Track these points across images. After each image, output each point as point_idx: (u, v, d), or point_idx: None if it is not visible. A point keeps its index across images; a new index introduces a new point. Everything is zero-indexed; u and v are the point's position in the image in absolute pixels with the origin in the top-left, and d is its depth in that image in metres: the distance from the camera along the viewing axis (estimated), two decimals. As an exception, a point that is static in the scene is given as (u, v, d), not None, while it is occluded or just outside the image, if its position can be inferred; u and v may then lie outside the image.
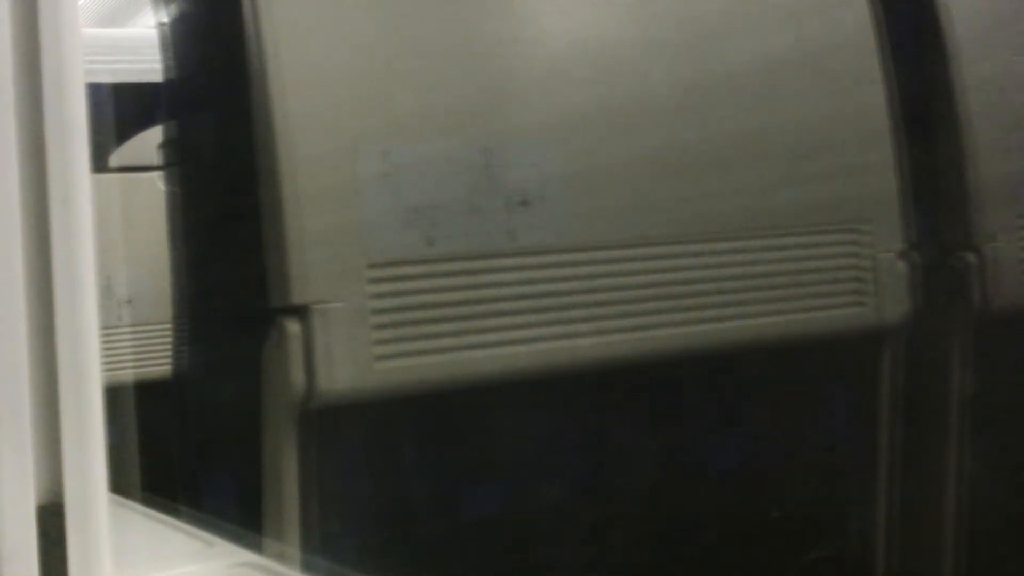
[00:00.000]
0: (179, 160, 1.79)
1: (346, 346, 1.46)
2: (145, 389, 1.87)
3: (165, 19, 1.70)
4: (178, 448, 1.75)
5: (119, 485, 0.88)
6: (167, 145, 1.98)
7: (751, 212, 1.76)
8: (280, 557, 1.40)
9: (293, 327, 1.45)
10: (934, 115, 1.91)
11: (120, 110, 2.26)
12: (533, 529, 1.72)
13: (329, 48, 1.51)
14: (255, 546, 1.12)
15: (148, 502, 1.28)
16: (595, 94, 1.66)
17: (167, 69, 1.71)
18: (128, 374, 2.12)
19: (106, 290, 2.36)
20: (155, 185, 2.29)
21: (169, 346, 1.86)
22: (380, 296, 1.48)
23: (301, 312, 1.45)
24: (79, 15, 0.76)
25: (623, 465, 1.76)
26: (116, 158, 2.46)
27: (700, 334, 1.70)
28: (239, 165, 1.51)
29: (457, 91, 1.58)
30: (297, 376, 1.45)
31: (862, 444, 1.90)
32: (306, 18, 1.50)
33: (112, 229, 2.13)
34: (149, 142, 2.34)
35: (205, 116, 1.69)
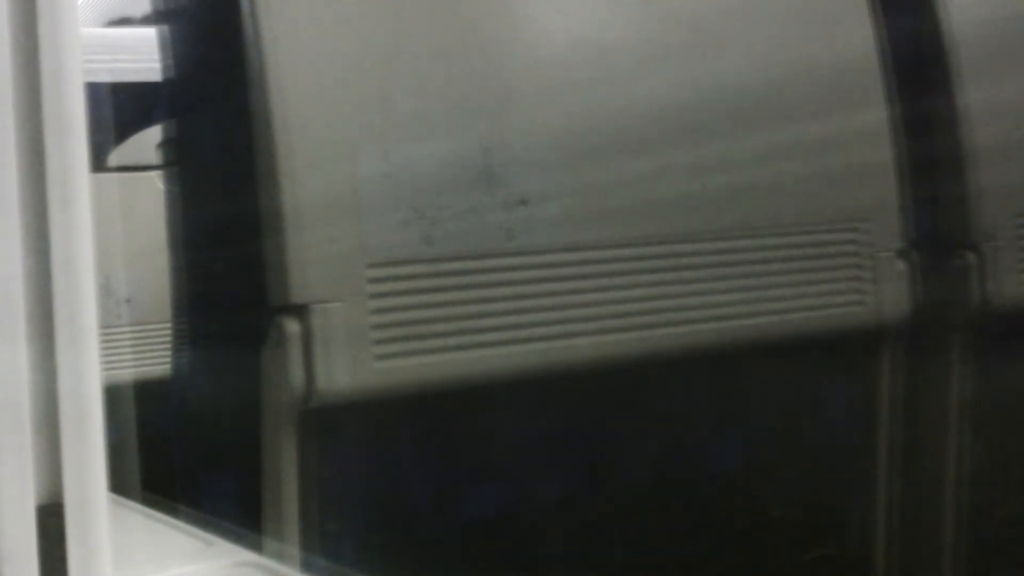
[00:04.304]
0: (178, 160, 1.79)
1: (346, 346, 1.46)
2: (145, 389, 1.87)
3: (165, 19, 1.70)
4: (178, 448, 1.75)
5: (119, 485, 0.87)
6: (166, 145, 1.98)
7: (750, 211, 1.75)
8: (280, 557, 1.40)
9: (293, 327, 1.45)
10: (934, 113, 1.91)
11: (120, 110, 2.26)
12: (534, 529, 1.72)
13: (329, 47, 1.51)
14: (255, 546, 1.13)
15: (148, 502, 1.28)
16: (595, 94, 1.65)
17: (167, 69, 1.71)
18: (128, 374, 2.12)
19: (106, 290, 2.36)
20: (155, 184, 2.29)
21: (169, 346, 1.86)
22: (380, 296, 1.48)
23: (301, 312, 1.45)
24: (79, 15, 0.76)
25: (623, 465, 1.76)
26: (115, 157, 2.46)
27: (699, 334, 1.70)
28: (239, 164, 1.51)
29: (457, 91, 1.58)
30: (297, 376, 1.44)
31: (861, 444, 1.90)
32: (306, 17, 1.50)
33: (112, 229, 2.13)
34: (149, 141, 2.33)
35: (204, 115, 1.69)
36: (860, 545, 1.93)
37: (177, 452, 1.75)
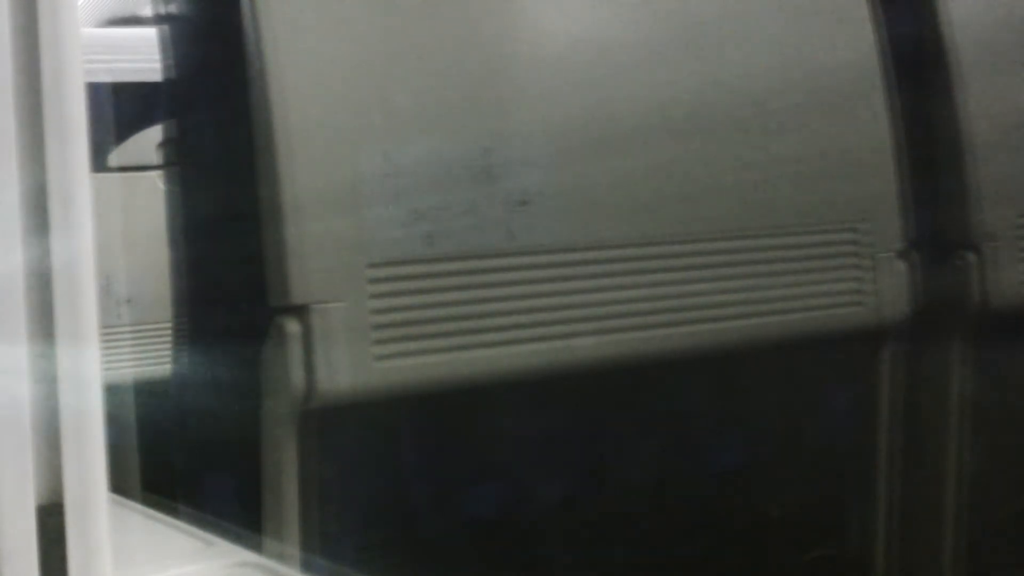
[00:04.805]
0: (179, 160, 1.79)
1: (346, 346, 1.46)
2: (145, 389, 1.87)
3: (165, 18, 1.70)
4: (178, 448, 1.75)
5: (119, 485, 0.88)
6: (167, 145, 1.98)
7: (750, 211, 1.76)
8: (280, 557, 1.40)
9: (293, 327, 1.45)
10: (935, 112, 1.91)
11: (120, 109, 2.26)
12: (534, 529, 1.72)
13: (329, 47, 1.51)
14: (255, 546, 1.13)
15: (148, 502, 1.28)
16: (593, 93, 1.66)
17: (167, 69, 1.71)
18: (128, 374, 2.12)
19: (106, 290, 2.36)
20: (155, 185, 2.29)
21: (169, 346, 1.86)
22: (380, 296, 1.48)
23: (301, 312, 1.45)
24: (79, 15, 0.76)
25: (623, 465, 1.76)
26: (115, 157, 2.46)
27: (699, 334, 1.70)
28: (239, 164, 1.51)
29: (457, 91, 1.58)
30: (297, 376, 1.44)
31: (861, 444, 1.90)
32: (306, 16, 1.50)
33: (112, 229, 2.13)
34: (149, 141, 2.33)
35: (205, 115, 1.69)
36: (860, 545, 1.93)
37: (177, 452, 1.75)
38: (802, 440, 1.92)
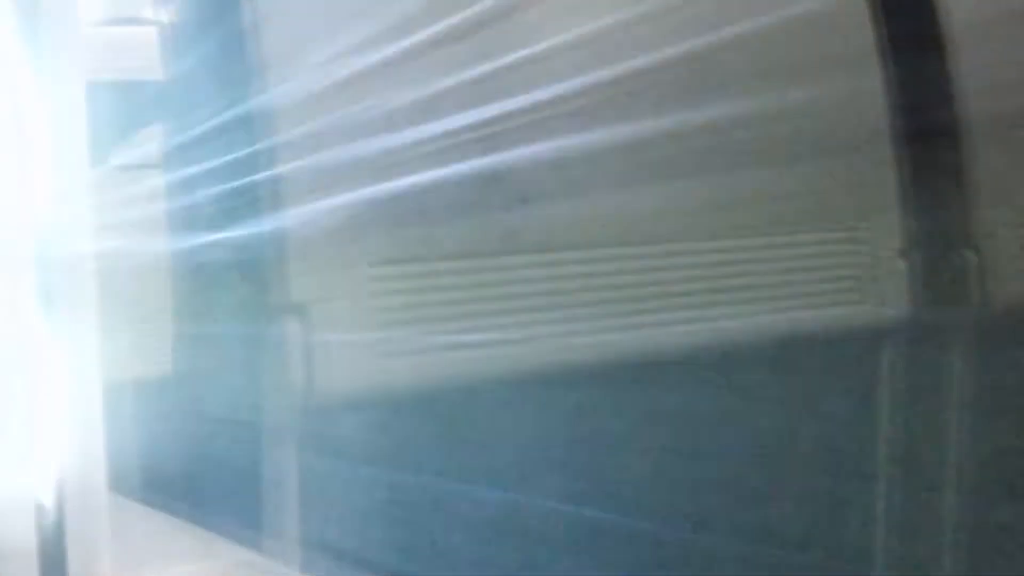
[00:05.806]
0: (179, 159, 1.79)
1: (346, 346, 1.46)
2: (145, 389, 1.87)
3: (165, 19, 1.70)
4: (178, 448, 1.75)
5: (119, 485, 0.88)
6: (167, 144, 1.98)
7: (751, 211, 1.75)
8: (280, 557, 1.40)
9: (293, 327, 1.45)
10: (934, 113, 1.91)
11: (121, 109, 2.26)
12: (534, 529, 1.72)
13: (330, 45, 1.51)
14: (255, 546, 1.13)
15: (148, 502, 1.29)
16: (592, 92, 1.65)
17: (167, 69, 1.71)
18: (128, 374, 2.11)
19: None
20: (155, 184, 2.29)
21: (169, 346, 1.86)
22: (380, 296, 1.48)
23: (301, 312, 1.45)
24: (79, 15, 0.76)
25: (622, 464, 1.76)
26: (117, 156, 2.45)
27: (700, 333, 1.70)
28: (241, 163, 1.51)
29: (455, 88, 1.58)
30: (297, 376, 1.45)
31: (861, 443, 1.90)
32: (306, 17, 1.50)
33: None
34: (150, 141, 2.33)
35: (206, 115, 1.69)
36: (860, 545, 1.93)
37: (177, 452, 1.75)
38: (801, 440, 1.91)
